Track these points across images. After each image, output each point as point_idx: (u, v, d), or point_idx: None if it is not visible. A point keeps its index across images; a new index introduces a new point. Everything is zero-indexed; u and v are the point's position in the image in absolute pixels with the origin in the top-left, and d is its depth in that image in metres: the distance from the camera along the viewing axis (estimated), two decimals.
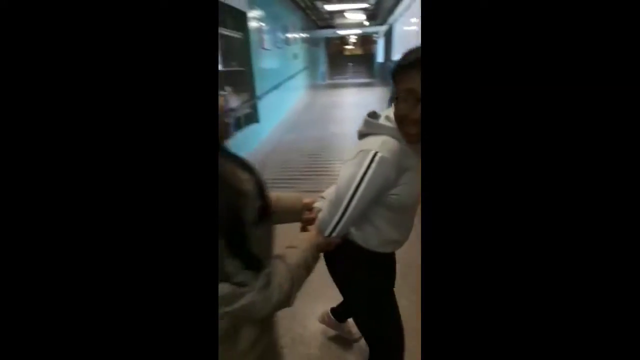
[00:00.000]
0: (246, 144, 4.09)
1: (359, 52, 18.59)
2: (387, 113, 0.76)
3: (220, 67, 3.33)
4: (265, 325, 0.67)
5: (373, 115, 0.80)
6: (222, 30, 3.40)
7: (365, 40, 17.20)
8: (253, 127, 4.40)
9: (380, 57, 12.35)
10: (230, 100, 3.60)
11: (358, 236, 0.84)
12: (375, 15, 10.51)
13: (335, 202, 0.74)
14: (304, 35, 9.07)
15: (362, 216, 0.77)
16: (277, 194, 0.88)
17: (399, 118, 0.70)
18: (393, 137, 0.72)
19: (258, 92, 4.48)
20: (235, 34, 3.78)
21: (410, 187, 0.74)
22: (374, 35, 13.54)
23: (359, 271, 0.88)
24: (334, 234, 0.75)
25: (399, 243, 0.87)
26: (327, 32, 12.36)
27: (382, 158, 0.68)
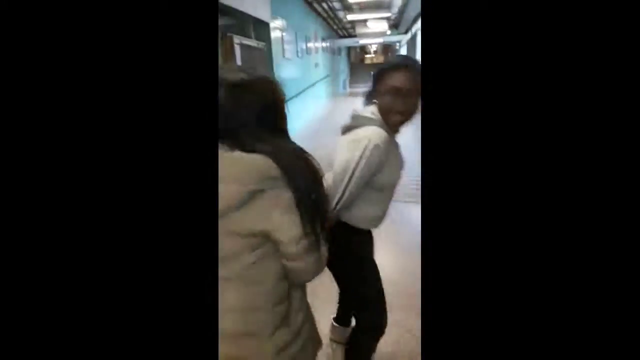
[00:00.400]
0: None
1: (380, 60, 18.60)
2: (370, 108, 0.89)
3: None
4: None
5: (357, 110, 0.93)
6: (245, 40, 3.45)
7: (387, 49, 17.19)
8: None
9: None
10: None
11: (346, 215, 0.95)
12: (398, 24, 10.47)
13: (333, 186, 0.85)
14: (325, 44, 9.15)
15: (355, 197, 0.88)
16: None
17: (385, 110, 0.85)
18: (380, 127, 0.85)
19: None
20: (258, 44, 3.84)
21: (391, 168, 0.88)
22: (396, 44, 13.48)
23: (346, 246, 0.97)
24: (337, 207, 0.87)
25: (380, 219, 0.99)
26: (349, 42, 12.41)
27: (376, 145, 0.80)
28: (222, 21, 3.40)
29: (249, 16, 3.61)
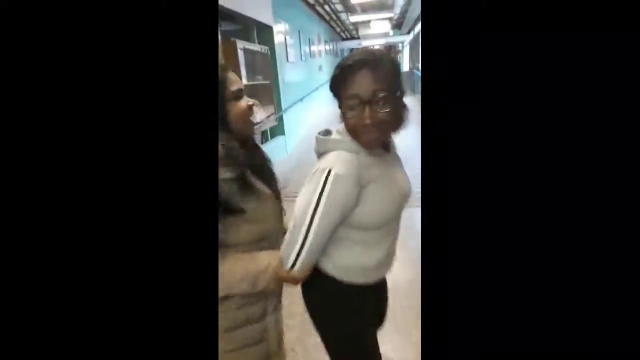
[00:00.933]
0: (272, 156, 4.06)
1: None
2: (338, 128, 0.69)
3: (245, 81, 3.34)
4: None
5: (325, 132, 0.73)
6: (248, 45, 3.42)
7: (391, 50, 17.14)
8: (279, 140, 4.39)
9: (405, 66, 12.20)
10: (256, 113, 3.59)
11: (329, 266, 0.72)
12: (400, 24, 10.42)
13: (293, 231, 0.65)
14: (328, 47, 9.12)
15: (327, 243, 0.67)
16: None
17: (351, 127, 0.64)
18: (347, 150, 0.65)
19: (283, 105, 4.48)
20: (261, 48, 3.81)
21: (377, 201, 0.65)
22: (399, 44, 13.43)
23: (333, 309, 0.75)
24: (295, 268, 0.64)
25: (379, 270, 0.74)
26: (352, 43, 12.42)
27: (336, 175, 0.61)
28: (225, 26, 3.38)
29: (252, 20, 3.59)
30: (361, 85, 0.60)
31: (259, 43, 3.88)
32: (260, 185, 0.73)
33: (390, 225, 0.71)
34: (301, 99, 5.29)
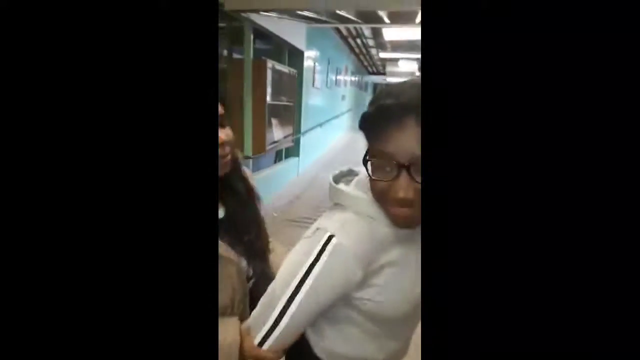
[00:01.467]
0: (283, 176, 4.04)
1: None
2: (357, 180, 0.54)
3: (269, 100, 3.37)
4: None
5: (346, 173, 0.56)
6: (278, 66, 3.49)
7: None
8: (292, 161, 4.38)
9: None
10: (274, 132, 3.60)
11: (318, 349, 0.57)
12: None
13: (271, 298, 0.50)
14: (354, 78, 9.32)
15: (318, 320, 0.52)
16: (275, 246, 0.77)
17: (377, 193, 0.47)
18: (361, 214, 0.49)
19: (303, 127, 4.50)
20: (289, 70, 3.88)
21: (393, 290, 0.49)
22: None
23: None
24: (265, 347, 0.49)
25: None
26: (377, 78, 12.68)
27: (338, 244, 0.46)
28: (258, 44, 3.46)
29: (285, 43, 3.67)
30: (399, 141, 0.43)
31: (289, 65, 3.95)
32: (221, 248, 0.59)
33: (410, 319, 0.55)
34: (320, 125, 5.33)
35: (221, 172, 0.60)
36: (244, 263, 0.65)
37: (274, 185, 3.72)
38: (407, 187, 0.43)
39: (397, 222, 0.47)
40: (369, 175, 0.47)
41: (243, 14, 2.73)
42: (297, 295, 0.48)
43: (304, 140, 4.62)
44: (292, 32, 3.67)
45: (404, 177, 0.43)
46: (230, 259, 0.61)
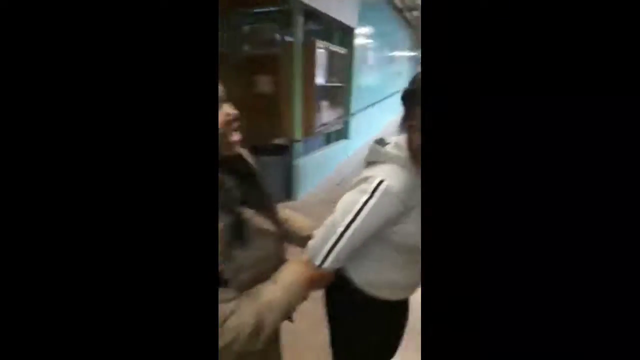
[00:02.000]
0: (332, 159, 4.04)
1: None
2: (397, 140, 0.68)
3: (320, 81, 3.34)
4: None
5: (380, 142, 0.71)
6: (328, 46, 3.42)
7: None
8: (342, 144, 4.34)
9: None
10: (324, 114, 3.58)
11: (355, 274, 0.74)
12: None
13: (329, 229, 0.64)
14: (411, 53, 8.79)
15: (359, 251, 0.67)
16: (288, 215, 0.82)
17: (414, 149, 0.62)
18: (402, 166, 0.63)
19: (354, 109, 4.42)
20: (341, 50, 3.78)
21: (418, 227, 0.62)
22: None
23: (353, 318, 0.77)
24: (325, 265, 0.64)
25: (405, 290, 0.76)
26: None
27: (388, 187, 0.60)
28: (307, 26, 3.42)
29: (336, 21, 3.57)
30: None
31: (341, 44, 3.86)
32: (260, 221, 0.61)
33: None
34: (372, 104, 5.17)
35: (232, 151, 0.59)
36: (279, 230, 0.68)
37: (323, 168, 3.75)
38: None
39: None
40: (409, 131, 0.62)
41: None
42: (354, 223, 0.61)
43: (355, 122, 4.54)
44: (343, 9, 3.55)
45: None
46: (268, 231, 0.63)
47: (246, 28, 3.41)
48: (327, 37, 3.67)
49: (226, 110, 0.56)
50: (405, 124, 0.64)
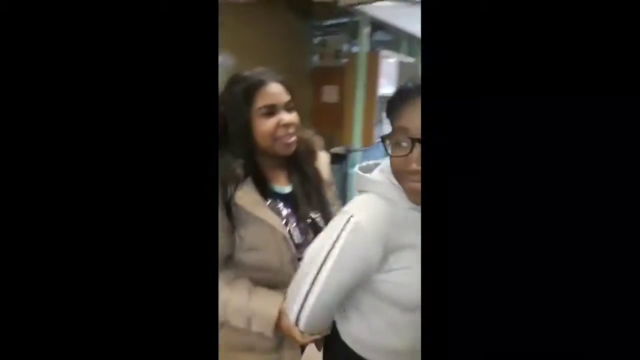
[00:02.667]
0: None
1: None
2: (385, 164, 0.58)
3: (382, 91, 3.32)
4: None
5: (367, 167, 0.61)
6: (394, 55, 3.39)
7: None
8: None
9: None
10: (385, 124, 3.54)
11: (347, 335, 0.60)
12: None
13: (299, 279, 0.54)
14: None
15: (340, 305, 0.55)
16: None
17: (395, 170, 0.51)
18: (382, 196, 0.52)
19: None
20: (408, 59, 3.71)
21: (410, 275, 0.49)
22: None
23: None
24: (300, 325, 0.54)
25: (405, 355, 0.57)
26: None
27: (356, 225, 0.49)
28: (375, 37, 3.44)
29: (402, 32, 3.53)
30: (412, 117, 0.48)
31: (410, 54, 3.78)
32: (265, 213, 0.67)
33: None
34: None
35: (287, 151, 0.71)
36: (296, 233, 0.74)
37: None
38: (419, 160, 0.47)
39: (412, 196, 0.50)
40: (387, 152, 0.53)
41: (357, 7, 2.77)
42: (321, 274, 0.51)
43: None
44: (409, 19, 3.49)
45: (416, 150, 0.48)
46: (270, 225, 0.69)
47: (316, 40, 3.59)
48: (396, 48, 3.63)
49: (281, 117, 0.68)
50: (391, 140, 0.53)
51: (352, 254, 0.50)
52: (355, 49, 3.27)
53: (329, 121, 3.30)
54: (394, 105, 0.54)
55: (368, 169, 0.62)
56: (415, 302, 0.52)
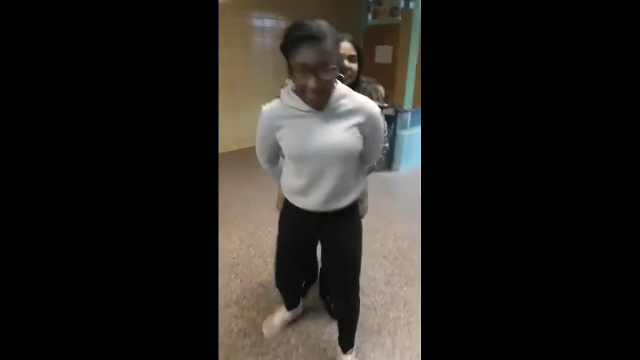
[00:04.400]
0: None
1: None
2: (289, 84, 0.83)
3: None
4: None
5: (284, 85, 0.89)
6: None
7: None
8: None
9: None
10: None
11: (282, 183, 1.00)
12: None
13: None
14: None
15: (270, 157, 0.98)
16: None
17: (298, 88, 0.77)
18: (280, 99, 0.85)
19: None
20: None
21: (288, 141, 0.85)
22: None
23: (280, 217, 1.07)
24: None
25: (301, 198, 0.93)
26: None
27: (262, 111, 0.86)
28: None
29: None
30: (307, 56, 0.70)
31: None
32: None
33: (305, 161, 0.87)
34: None
35: (349, 81, 1.05)
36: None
37: None
38: (314, 82, 0.73)
39: (314, 104, 0.80)
40: (292, 80, 0.78)
41: None
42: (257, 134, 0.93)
43: None
44: None
45: (313, 77, 0.73)
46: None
47: None
48: None
49: (345, 47, 1.03)
50: (290, 69, 0.77)
51: (261, 127, 0.89)
52: (412, 5, 3.13)
53: (380, 82, 3.26)
54: (291, 45, 0.73)
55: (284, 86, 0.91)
56: (291, 156, 0.87)
